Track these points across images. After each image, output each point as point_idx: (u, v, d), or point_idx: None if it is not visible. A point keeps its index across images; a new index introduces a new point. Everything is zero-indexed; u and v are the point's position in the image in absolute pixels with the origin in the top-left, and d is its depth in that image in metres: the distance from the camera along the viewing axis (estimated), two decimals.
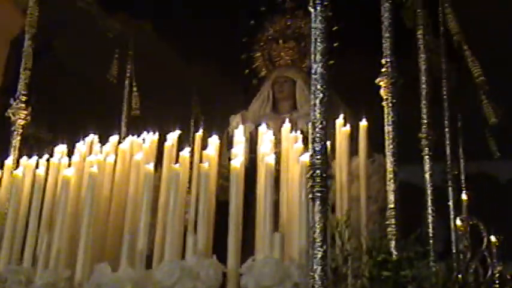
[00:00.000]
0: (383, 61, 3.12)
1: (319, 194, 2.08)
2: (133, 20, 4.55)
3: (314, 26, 2.31)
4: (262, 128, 3.39)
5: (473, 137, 4.06)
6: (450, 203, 3.93)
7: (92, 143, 3.35)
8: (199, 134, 3.42)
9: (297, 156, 2.86)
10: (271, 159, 2.75)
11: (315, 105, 2.20)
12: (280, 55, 4.76)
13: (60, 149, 3.33)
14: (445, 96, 4.00)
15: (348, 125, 3.34)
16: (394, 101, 3.06)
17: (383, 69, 3.11)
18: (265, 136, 3.19)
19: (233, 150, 2.96)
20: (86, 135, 3.37)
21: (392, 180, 2.96)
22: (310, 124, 3.22)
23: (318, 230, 1.98)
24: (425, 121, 3.47)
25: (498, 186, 5.93)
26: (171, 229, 2.64)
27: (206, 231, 2.62)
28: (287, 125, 3.35)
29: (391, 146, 3.02)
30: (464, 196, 4.32)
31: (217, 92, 5.05)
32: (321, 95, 2.21)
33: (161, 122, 3.60)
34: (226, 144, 4.16)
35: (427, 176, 3.33)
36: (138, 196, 2.99)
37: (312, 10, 2.33)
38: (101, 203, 2.96)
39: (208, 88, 5.11)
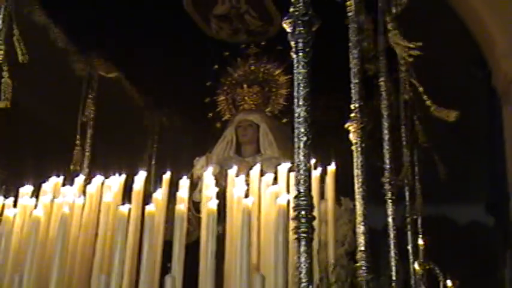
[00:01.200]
0: (352, 106, 3.20)
1: (304, 235, 2.14)
2: (99, 61, 4.59)
3: (297, 71, 2.35)
4: (232, 171, 3.49)
5: (431, 180, 4.21)
6: (409, 247, 4.03)
7: (57, 184, 3.36)
8: (167, 176, 3.43)
9: (272, 198, 2.92)
10: (248, 202, 2.79)
11: (299, 147, 2.25)
12: (244, 99, 4.84)
13: (27, 189, 3.33)
14: (404, 143, 4.08)
15: (319, 169, 3.40)
16: (363, 145, 3.16)
17: (352, 114, 3.19)
18: (238, 179, 3.27)
19: (205, 193, 3.01)
20: (50, 176, 3.39)
21: (362, 223, 3.08)
22: (278, 167, 3.40)
23: (303, 271, 2.03)
24: (388, 166, 3.53)
25: (456, 230, 6.08)
26: (146, 272, 2.66)
27: (181, 274, 2.66)
28: (256, 169, 3.42)
29: (360, 189, 3.11)
30: (420, 241, 4.45)
31: (179, 135, 5.10)
32: (305, 138, 2.27)
33: (121, 163, 3.65)
34: (190, 186, 4.26)
35: (389, 219, 3.40)
36: (107, 238, 3.02)
37: (294, 56, 2.37)
38: (70, 245, 2.97)
39: (171, 131, 5.14)
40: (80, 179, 3.43)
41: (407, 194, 4.04)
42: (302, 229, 2.18)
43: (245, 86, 4.86)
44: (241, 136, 4.71)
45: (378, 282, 2.81)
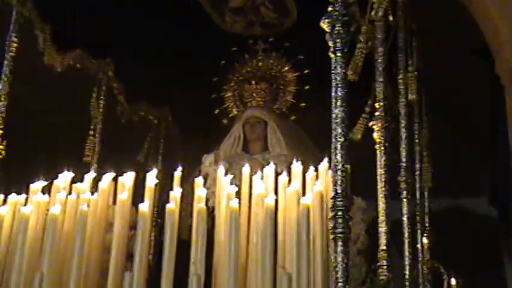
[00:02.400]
0: (376, 105, 3.22)
1: (341, 235, 2.17)
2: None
3: (335, 72, 2.35)
4: (245, 169, 3.47)
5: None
6: (419, 245, 4.01)
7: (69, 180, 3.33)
8: (178, 174, 3.40)
9: (293, 198, 2.93)
10: (270, 200, 2.80)
11: (336, 148, 2.28)
12: (252, 96, 4.84)
13: (38, 185, 3.31)
14: (417, 140, 4.09)
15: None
16: (387, 144, 3.18)
17: (376, 113, 3.21)
18: (255, 177, 3.22)
19: (227, 192, 3.01)
20: (61, 172, 3.35)
21: (384, 222, 3.09)
22: (292, 166, 3.40)
23: (340, 271, 2.06)
24: (404, 164, 3.54)
25: (458, 224, 6.08)
26: (168, 269, 2.68)
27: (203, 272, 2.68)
28: (271, 168, 3.33)
29: (383, 189, 3.12)
30: (425, 239, 4.48)
31: (185, 131, 5.07)
32: (342, 139, 2.29)
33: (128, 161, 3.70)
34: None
35: (404, 218, 3.42)
36: (121, 236, 3.04)
37: (332, 56, 2.37)
38: (87, 242, 2.99)
39: (177, 127, 5.11)
40: (90, 175, 3.42)
41: (418, 191, 4.04)
42: (339, 229, 2.21)
43: (253, 82, 4.86)
44: (248, 133, 4.71)
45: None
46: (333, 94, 2.37)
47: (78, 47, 4.28)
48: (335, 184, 2.24)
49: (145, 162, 4.77)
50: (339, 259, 2.08)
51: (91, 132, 4.32)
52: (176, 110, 4.97)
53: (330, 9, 2.40)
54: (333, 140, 2.33)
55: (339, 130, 2.32)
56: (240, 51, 5.02)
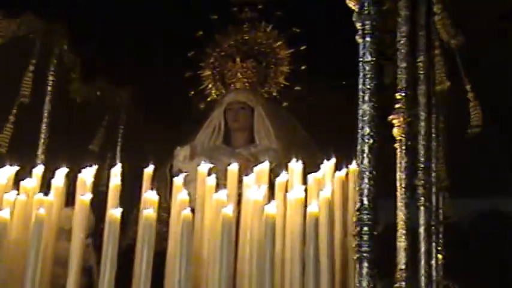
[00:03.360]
0: (397, 95, 3.14)
1: (367, 255, 2.19)
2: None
3: (363, 60, 2.38)
4: (233, 167, 3.41)
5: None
6: (433, 261, 3.92)
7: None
8: (149, 171, 3.39)
9: (296, 205, 2.92)
10: (272, 209, 2.73)
11: (363, 151, 2.30)
12: (236, 76, 4.72)
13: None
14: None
15: (344, 170, 3.30)
16: (409, 143, 3.10)
17: (397, 105, 3.13)
18: (247, 179, 3.25)
19: (218, 195, 2.93)
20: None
21: (403, 237, 3.01)
22: (290, 164, 3.31)
23: None
24: (422, 165, 3.46)
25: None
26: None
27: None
28: (264, 166, 3.36)
29: (404, 196, 3.05)
30: (439, 255, 4.42)
31: (151, 117, 4.89)
32: (371, 140, 2.31)
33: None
34: (169, 181, 4.08)
35: (421, 230, 3.33)
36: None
37: (360, 41, 2.40)
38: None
39: (141, 113, 4.94)
40: (39, 170, 3.36)
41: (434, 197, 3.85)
42: (364, 248, 2.23)
43: (237, 59, 4.74)
44: (231, 121, 4.60)
45: None
46: (360, 86, 2.39)
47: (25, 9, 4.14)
48: (361, 194, 2.26)
49: (100, 152, 4.69)
50: (364, 284, 2.10)
51: (11, 118, 4.14)
52: (141, 90, 4.88)
53: None
54: (360, 140, 2.37)
55: (367, 130, 2.35)
56: (222, 21, 4.92)
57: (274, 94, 4.85)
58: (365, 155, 2.31)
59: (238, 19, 4.92)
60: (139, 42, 4.69)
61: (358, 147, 2.33)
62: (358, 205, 2.25)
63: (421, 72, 3.55)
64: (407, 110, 3.11)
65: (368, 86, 2.34)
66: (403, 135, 3.09)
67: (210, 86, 4.91)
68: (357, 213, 2.24)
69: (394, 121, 3.09)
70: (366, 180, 2.27)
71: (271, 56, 4.88)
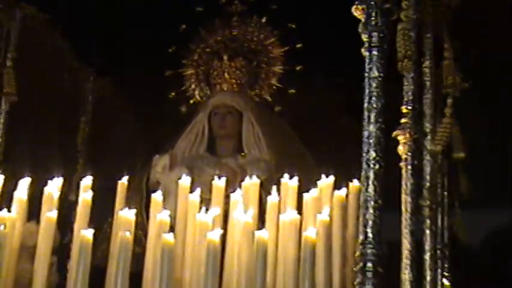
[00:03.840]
0: (404, 109, 3.10)
1: None
2: None
3: (369, 76, 2.41)
4: (220, 183, 3.36)
5: None
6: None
7: None
8: (124, 182, 3.32)
9: (293, 228, 2.90)
10: (264, 234, 2.67)
11: (367, 178, 2.31)
12: (223, 76, 4.65)
13: None
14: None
15: (344, 189, 3.27)
16: (416, 162, 3.07)
17: (402, 120, 3.07)
18: (234, 195, 3.20)
19: (202, 217, 2.86)
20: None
21: (408, 269, 2.95)
22: (282, 179, 3.22)
23: None
24: (428, 184, 3.45)
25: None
26: None
27: None
28: (254, 181, 3.33)
29: (409, 222, 3.00)
30: (446, 281, 4.39)
31: (126, 120, 4.85)
32: (377, 165, 2.32)
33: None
34: (145, 195, 4.18)
35: (427, 257, 3.31)
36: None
37: (366, 54, 2.43)
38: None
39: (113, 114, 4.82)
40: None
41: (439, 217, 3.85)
42: (368, 286, 2.26)
43: (225, 57, 4.67)
44: (217, 127, 4.52)
45: None
46: (365, 105, 2.42)
47: None
48: (365, 226, 2.27)
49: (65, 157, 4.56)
50: None
51: None
52: (113, 87, 4.79)
53: None
54: (364, 165, 2.39)
55: (373, 154, 2.37)
56: (208, 14, 4.86)
57: (266, 97, 4.81)
58: (370, 182, 2.33)
59: (227, 12, 4.87)
60: (112, 34, 4.68)
61: (363, 172, 2.35)
62: (361, 238, 2.26)
63: (428, 79, 3.54)
64: (415, 125, 3.08)
65: (374, 105, 2.38)
66: (409, 154, 3.04)
67: (193, 86, 4.85)
68: (360, 246, 2.25)
69: (399, 138, 3.04)
70: (371, 211, 2.29)
71: (263, 55, 4.83)
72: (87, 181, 3.22)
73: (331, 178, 3.28)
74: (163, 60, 4.78)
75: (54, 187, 3.13)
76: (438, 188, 3.98)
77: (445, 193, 4.06)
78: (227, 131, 4.50)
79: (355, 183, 3.27)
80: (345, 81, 4.55)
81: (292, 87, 4.77)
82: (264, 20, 4.84)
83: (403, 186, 3.06)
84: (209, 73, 4.75)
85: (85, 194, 3.10)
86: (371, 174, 2.33)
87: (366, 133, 2.38)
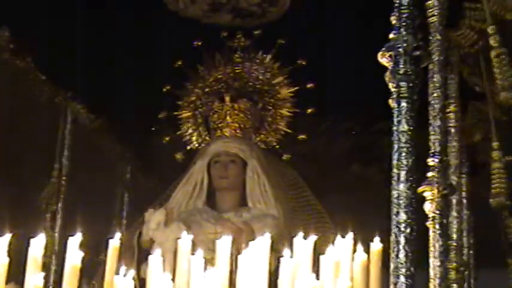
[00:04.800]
0: (430, 161, 3.10)
1: None
2: None
3: (397, 130, 2.42)
4: (224, 246, 3.30)
5: None
6: None
7: None
8: (115, 242, 3.24)
9: None
10: None
11: (398, 243, 2.33)
12: (225, 119, 4.71)
13: None
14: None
15: (361, 250, 3.25)
16: (445, 221, 3.06)
17: (430, 174, 3.08)
18: (242, 258, 3.04)
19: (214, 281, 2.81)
20: None
21: None
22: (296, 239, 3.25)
23: None
24: (455, 243, 3.61)
25: None
26: None
27: None
28: (265, 241, 3.19)
29: None
30: None
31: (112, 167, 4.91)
32: (408, 229, 2.34)
33: None
34: (138, 252, 4.20)
35: None
36: None
37: (393, 106, 2.44)
38: None
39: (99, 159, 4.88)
40: None
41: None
42: None
43: (226, 98, 4.72)
44: (217, 178, 4.55)
45: None
46: (394, 162, 2.44)
47: None
48: None
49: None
50: None
51: None
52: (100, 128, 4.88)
53: (392, 35, 2.48)
54: (394, 228, 2.42)
55: (404, 216, 2.39)
56: (208, 48, 4.92)
57: (273, 144, 4.85)
58: (401, 247, 2.34)
59: (229, 47, 4.94)
60: (100, 72, 4.76)
61: (392, 237, 2.35)
62: None
63: (452, 125, 3.67)
64: (444, 180, 3.06)
65: (404, 162, 2.38)
66: (438, 212, 3.02)
67: (190, 131, 4.90)
68: None
69: (426, 194, 3.03)
70: (403, 279, 2.30)
71: (269, 95, 4.89)
72: (75, 240, 3.24)
73: (350, 237, 3.32)
74: (156, 100, 4.84)
75: (38, 248, 3.15)
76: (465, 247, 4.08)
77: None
78: (229, 182, 4.51)
79: (376, 244, 3.19)
80: (363, 125, 4.63)
81: (302, 132, 4.80)
82: (270, 56, 4.87)
83: (431, 247, 3.06)
84: (208, 116, 4.79)
85: (72, 259, 3.08)
86: (402, 239, 2.35)
87: (395, 193, 2.39)
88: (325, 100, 4.72)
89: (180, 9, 4.85)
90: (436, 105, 3.20)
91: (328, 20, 4.67)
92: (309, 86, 4.76)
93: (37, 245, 3.12)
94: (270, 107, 4.86)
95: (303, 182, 4.64)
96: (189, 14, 4.87)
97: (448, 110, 3.66)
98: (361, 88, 4.50)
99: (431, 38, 3.20)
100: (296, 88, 4.82)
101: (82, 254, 3.12)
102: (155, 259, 3.16)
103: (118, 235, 3.31)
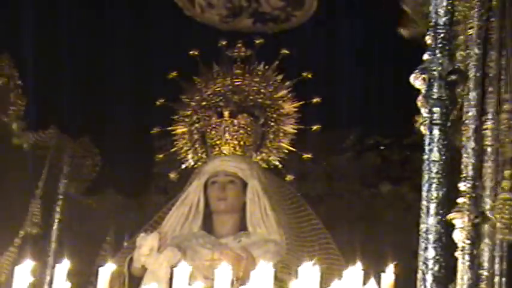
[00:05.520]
0: (461, 186, 3.19)
1: None
2: None
3: (429, 159, 2.42)
4: (225, 269, 3.34)
5: None
6: None
7: None
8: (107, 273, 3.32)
9: None
10: None
11: (424, 280, 2.32)
12: (223, 136, 4.73)
13: None
14: None
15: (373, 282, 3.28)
16: (475, 251, 3.17)
17: (460, 200, 3.17)
18: None
19: None
20: None
21: None
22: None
23: None
24: (486, 273, 3.49)
25: None
26: None
27: None
28: (267, 270, 3.25)
29: None
30: None
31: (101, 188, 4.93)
32: (436, 266, 2.33)
33: None
34: (128, 281, 4.26)
35: None
36: None
37: (425, 132, 2.44)
38: None
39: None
40: None
41: None
42: None
43: (225, 113, 4.75)
44: (214, 199, 4.58)
45: None
46: (424, 194, 2.44)
47: None
48: None
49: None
50: None
51: None
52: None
53: (426, 57, 2.48)
54: (422, 265, 2.41)
55: (433, 252, 2.38)
56: (205, 59, 4.96)
57: (275, 163, 4.86)
58: (428, 285, 2.33)
59: (228, 57, 4.96)
60: (86, 85, 4.78)
61: (420, 274, 2.35)
62: None
63: (489, 143, 3.61)
64: (476, 207, 3.17)
65: (435, 195, 2.39)
66: (468, 242, 3.13)
67: (185, 148, 4.92)
68: None
69: (455, 221, 3.13)
70: None
71: (272, 110, 4.91)
72: (62, 268, 3.28)
73: (359, 268, 3.26)
74: (148, 115, 4.89)
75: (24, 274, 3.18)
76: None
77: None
78: (227, 204, 4.54)
79: (389, 275, 3.28)
80: (375, 143, 4.67)
81: (307, 151, 4.78)
82: (273, 67, 4.88)
83: (459, 280, 3.18)
84: (205, 132, 4.80)
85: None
86: (429, 277, 2.34)
87: (423, 227, 2.39)
88: (334, 116, 4.78)
89: (195, 14, 4.87)
90: (470, 125, 3.32)
91: (338, 28, 4.66)
92: (315, 100, 4.76)
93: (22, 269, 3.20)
94: (273, 123, 4.88)
95: (307, 204, 4.64)
96: (205, 20, 4.89)
97: (484, 127, 3.61)
98: (381, 100, 4.53)
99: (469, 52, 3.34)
100: (301, 102, 4.82)
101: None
102: None
103: (108, 263, 3.39)
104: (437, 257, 2.37)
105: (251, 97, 4.91)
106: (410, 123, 3.37)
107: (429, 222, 2.37)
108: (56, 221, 4.83)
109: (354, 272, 3.26)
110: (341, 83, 4.72)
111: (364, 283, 3.24)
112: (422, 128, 2.46)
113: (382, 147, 4.75)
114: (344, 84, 4.71)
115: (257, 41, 4.92)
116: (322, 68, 4.76)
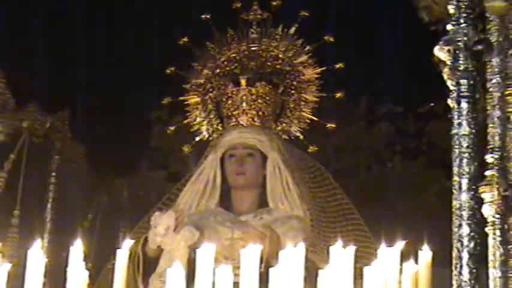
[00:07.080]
0: (489, 158, 3.17)
1: None
2: None
3: (457, 132, 2.51)
4: (253, 250, 3.39)
5: None
6: None
7: None
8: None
9: None
10: None
11: (460, 259, 2.46)
12: (240, 106, 4.79)
13: None
14: None
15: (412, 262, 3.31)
16: (506, 226, 3.13)
17: (489, 173, 3.15)
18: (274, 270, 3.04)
19: None
20: None
21: None
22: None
23: None
24: None
25: None
26: None
27: None
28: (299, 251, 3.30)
29: None
30: None
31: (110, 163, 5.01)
32: (472, 243, 2.45)
33: None
34: (143, 263, 4.25)
35: None
36: None
37: (453, 106, 2.50)
38: None
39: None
40: None
41: None
42: None
43: (242, 81, 4.79)
44: (233, 174, 4.63)
45: None
46: (455, 169, 2.56)
47: None
48: None
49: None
50: None
51: None
52: (98, 126, 5.04)
53: (450, 26, 2.55)
54: (456, 243, 2.59)
55: (467, 229, 2.49)
56: (218, 23, 4.99)
57: (297, 134, 4.92)
58: (464, 264, 2.44)
59: (243, 20, 5.02)
60: (94, 51, 5.01)
61: (454, 252, 2.46)
62: None
63: None
64: (506, 179, 3.16)
65: (466, 170, 2.49)
66: (498, 216, 3.13)
67: (198, 119, 5.00)
68: None
69: (484, 195, 3.11)
70: None
71: (292, 77, 4.95)
72: (76, 249, 3.37)
73: (397, 247, 3.18)
74: (159, 83, 5.06)
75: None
76: None
77: None
78: (246, 179, 4.59)
79: (426, 252, 3.17)
80: (402, 111, 4.75)
81: (331, 120, 4.85)
82: (292, 31, 4.92)
83: (491, 256, 3.12)
84: (221, 102, 4.85)
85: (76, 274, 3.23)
86: (465, 254, 2.46)
87: (457, 203, 2.49)
88: (359, 82, 4.90)
89: None
90: (495, 93, 3.22)
91: None
92: (337, 66, 4.83)
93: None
94: (293, 91, 4.91)
95: (331, 177, 4.70)
96: None
97: (507, 93, 3.49)
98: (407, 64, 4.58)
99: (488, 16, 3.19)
100: (323, 68, 4.88)
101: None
102: (175, 273, 3.24)
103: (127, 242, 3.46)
104: (472, 234, 2.50)
105: (269, 63, 4.93)
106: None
107: (462, 198, 2.49)
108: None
109: (391, 251, 3.33)
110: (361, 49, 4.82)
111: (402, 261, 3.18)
112: (449, 101, 2.51)
113: None
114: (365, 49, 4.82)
115: (274, 3, 4.94)
116: (344, 31, 4.83)
